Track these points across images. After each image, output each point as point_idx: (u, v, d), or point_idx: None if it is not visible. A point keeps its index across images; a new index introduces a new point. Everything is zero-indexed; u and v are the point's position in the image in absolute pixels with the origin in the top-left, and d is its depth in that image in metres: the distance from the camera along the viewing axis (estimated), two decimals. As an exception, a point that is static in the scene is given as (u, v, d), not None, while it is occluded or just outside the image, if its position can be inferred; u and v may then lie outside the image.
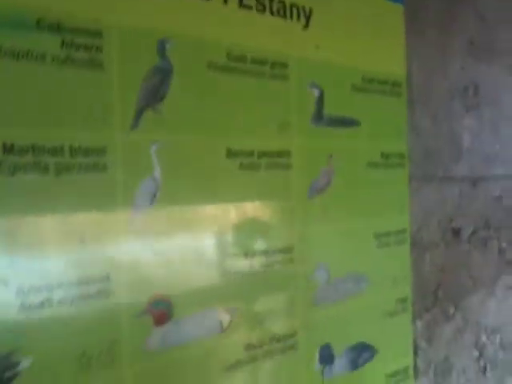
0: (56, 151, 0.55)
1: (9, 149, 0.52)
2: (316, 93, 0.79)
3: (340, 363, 0.85)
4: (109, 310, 0.58)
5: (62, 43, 0.55)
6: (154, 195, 0.63)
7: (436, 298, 1.10)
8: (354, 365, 0.88)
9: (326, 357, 0.83)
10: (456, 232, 1.15)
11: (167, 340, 0.64)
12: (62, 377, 0.55)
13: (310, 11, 0.78)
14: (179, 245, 0.64)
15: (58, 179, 0.55)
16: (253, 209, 0.72)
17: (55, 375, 0.55)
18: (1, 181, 0.52)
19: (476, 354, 1.23)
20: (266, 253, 0.74)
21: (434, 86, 1.10)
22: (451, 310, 1.15)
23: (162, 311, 0.64)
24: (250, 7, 0.71)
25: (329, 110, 0.81)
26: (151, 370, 0.62)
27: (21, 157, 0.53)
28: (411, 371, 0.99)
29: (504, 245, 1.30)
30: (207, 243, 0.67)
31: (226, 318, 0.70)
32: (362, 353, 0.89)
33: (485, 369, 1.26)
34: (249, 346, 0.73)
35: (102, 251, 0.58)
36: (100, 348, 0.58)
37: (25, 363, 0.54)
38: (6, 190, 0.52)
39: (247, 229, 0.71)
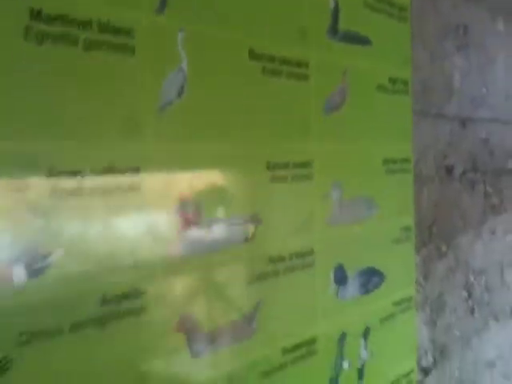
0: (85, 24, 0.51)
1: (36, 15, 0.48)
2: (331, 3, 0.77)
3: (352, 285, 0.84)
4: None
5: None
6: (182, 87, 0.59)
7: (431, 233, 1.11)
8: (365, 289, 0.87)
9: (340, 277, 0.82)
10: (449, 170, 1.16)
11: (195, 245, 0.61)
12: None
13: None
14: (201, 147, 0.61)
15: (87, 54, 0.51)
16: (270, 117, 0.69)
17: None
18: (29, 48, 0.47)
19: (465, 294, 1.26)
20: (285, 165, 0.72)
21: (429, 21, 1.10)
22: (444, 248, 1.16)
23: (190, 214, 0.60)
24: None
25: (343, 25, 0.79)
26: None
27: (49, 25, 0.48)
28: (414, 301, 1.00)
29: (489, 189, 1.33)
30: (229, 146, 0.64)
31: (250, 227, 0.68)
32: (371, 277, 0.88)
33: (473, 309, 1.29)
34: (271, 259, 0.70)
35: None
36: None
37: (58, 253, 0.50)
38: (33, 58, 0.47)
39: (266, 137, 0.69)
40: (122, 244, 0.54)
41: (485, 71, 1.29)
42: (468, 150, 1.23)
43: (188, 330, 0.61)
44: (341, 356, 0.83)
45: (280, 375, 0.72)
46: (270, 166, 0.70)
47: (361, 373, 0.87)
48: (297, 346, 0.75)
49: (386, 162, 0.90)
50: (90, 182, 0.51)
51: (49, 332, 0.48)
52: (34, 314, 0.47)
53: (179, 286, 0.60)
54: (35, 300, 0.47)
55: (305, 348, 0.76)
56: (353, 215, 0.84)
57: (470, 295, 1.26)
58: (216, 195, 0.63)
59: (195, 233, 0.61)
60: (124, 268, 0.54)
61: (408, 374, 0.98)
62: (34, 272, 0.47)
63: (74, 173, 0.50)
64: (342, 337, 0.83)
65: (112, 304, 0.53)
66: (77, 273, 0.50)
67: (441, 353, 1.16)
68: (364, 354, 0.88)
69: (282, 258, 0.72)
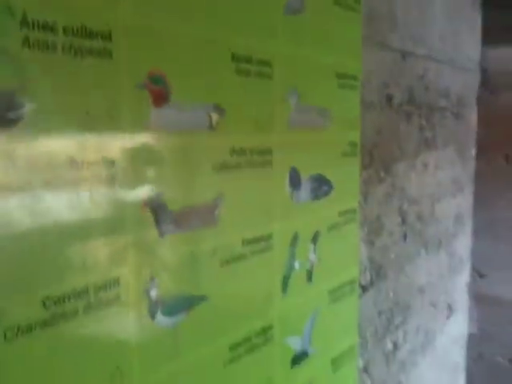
0: None
1: None
2: None
3: (305, 190, 0.88)
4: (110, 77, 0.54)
5: None
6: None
7: (372, 157, 1.17)
8: (315, 195, 0.91)
9: (295, 180, 0.85)
10: (389, 98, 1.22)
11: (164, 123, 0.62)
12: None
13: None
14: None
15: None
16: (234, 9, 0.70)
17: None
18: None
19: (399, 220, 1.34)
20: (249, 60, 0.73)
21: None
22: (382, 174, 1.23)
23: (159, 89, 0.61)
24: None
25: None
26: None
27: None
28: (357, 213, 1.05)
29: (424, 123, 1.41)
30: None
31: (214, 116, 0.69)
32: (321, 185, 0.93)
33: (406, 236, 1.38)
34: (234, 150, 0.72)
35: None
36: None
37: (29, 106, 0.49)
38: None
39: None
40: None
41: (424, 11, 1.35)
42: (406, 83, 1.30)
43: (154, 207, 0.62)
44: (293, 255, 0.87)
45: (239, 265, 0.75)
46: (235, 58, 0.71)
47: (310, 275, 0.92)
48: (255, 240, 0.78)
49: (338, 76, 0.94)
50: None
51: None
52: None
53: (147, 162, 0.61)
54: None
55: (262, 242, 0.79)
56: (308, 121, 0.88)
57: (404, 221, 1.35)
58: (183, 77, 0.64)
59: (164, 111, 0.62)
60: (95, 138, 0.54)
61: (351, 282, 1.05)
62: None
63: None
64: (295, 237, 0.87)
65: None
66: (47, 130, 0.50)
67: (377, 272, 1.24)
68: (313, 257, 0.92)
69: (243, 152, 0.74)
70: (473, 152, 1.87)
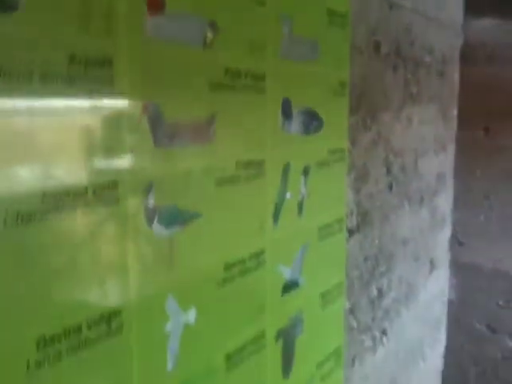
0: None
1: None
2: None
3: (296, 122, 0.90)
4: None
5: None
6: None
7: (359, 103, 1.19)
8: (306, 129, 0.93)
9: (287, 110, 0.87)
10: (377, 46, 1.24)
11: (159, 32, 0.62)
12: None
13: None
14: None
15: None
16: None
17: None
18: None
19: (384, 170, 1.37)
20: None
21: None
22: (369, 122, 1.25)
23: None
24: None
25: None
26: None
27: None
28: (346, 153, 1.08)
29: (409, 76, 1.44)
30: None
31: (209, 32, 0.70)
32: (312, 120, 0.94)
33: (391, 185, 1.40)
34: (228, 71, 0.73)
35: None
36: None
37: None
38: None
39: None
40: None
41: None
42: (393, 34, 1.32)
43: (151, 115, 0.63)
44: (284, 185, 0.89)
45: (233, 187, 0.77)
46: None
47: (300, 208, 0.94)
48: (248, 163, 0.79)
49: (329, 12, 0.95)
50: None
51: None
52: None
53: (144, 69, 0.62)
54: None
55: (255, 167, 0.81)
56: (300, 53, 0.89)
57: (388, 172, 1.38)
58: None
59: (159, 20, 0.63)
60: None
61: (339, 221, 1.07)
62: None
63: None
64: (287, 167, 0.89)
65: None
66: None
67: (364, 218, 1.26)
68: (303, 190, 0.94)
69: (237, 73, 0.75)
70: (454, 113, 1.90)
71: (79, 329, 0.56)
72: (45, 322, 0.53)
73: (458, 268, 2.73)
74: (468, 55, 2.42)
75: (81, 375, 0.56)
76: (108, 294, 0.59)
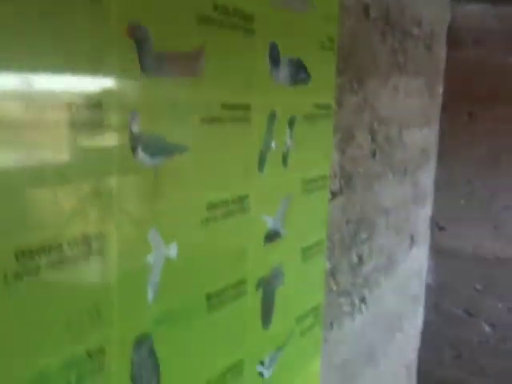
0: None
1: None
2: None
3: (283, 71, 0.89)
4: None
5: None
6: None
7: (346, 65, 1.19)
8: (293, 79, 0.93)
9: (275, 56, 0.86)
10: (366, 9, 1.24)
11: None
12: None
13: None
14: None
15: None
16: None
17: None
18: None
19: (369, 137, 1.37)
20: None
21: None
22: (355, 85, 1.26)
23: None
24: None
25: None
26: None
27: None
28: (332, 109, 1.08)
29: (397, 46, 1.44)
30: None
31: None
32: (299, 72, 0.94)
33: (374, 153, 1.41)
34: (216, 6, 0.73)
35: None
36: None
37: None
38: None
39: None
40: None
41: None
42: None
43: (138, 37, 0.62)
44: (270, 133, 0.88)
45: (219, 128, 0.76)
46: None
47: (285, 159, 0.94)
48: (234, 106, 0.79)
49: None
50: None
51: None
52: None
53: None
54: None
55: (241, 111, 0.81)
56: (290, 2, 0.89)
57: (373, 139, 1.39)
58: None
59: None
60: None
61: (323, 178, 1.07)
62: None
63: None
64: (272, 115, 0.88)
65: None
66: None
67: (347, 182, 1.27)
68: (289, 141, 0.94)
69: (226, 10, 0.75)
70: (440, 90, 1.92)
71: (60, 246, 0.55)
72: (24, 237, 0.52)
73: (437, 252, 2.76)
74: (455, 38, 2.44)
75: (59, 291, 0.56)
76: (90, 216, 0.59)
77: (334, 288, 1.27)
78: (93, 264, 0.59)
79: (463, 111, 3.05)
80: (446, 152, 2.55)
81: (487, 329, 3.08)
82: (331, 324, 1.28)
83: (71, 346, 0.57)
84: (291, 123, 0.94)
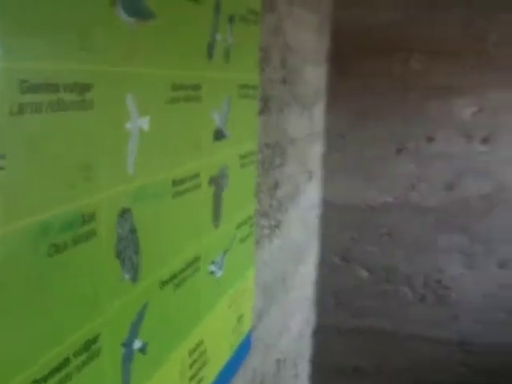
0: None
1: None
2: None
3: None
4: None
5: None
6: None
7: None
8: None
9: None
10: None
11: None
12: None
13: None
14: None
15: None
16: None
17: None
18: None
19: (280, 63, 1.41)
20: None
21: None
22: (272, 4, 1.28)
23: None
24: None
25: None
26: None
27: None
28: (259, 16, 1.09)
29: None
30: None
31: None
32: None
33: (284, 80, 1.46)
34: None
35: None
36: None
37: None
38: None
39: None
40: None
41: None
42: None
43: None
44: (216, 25, 0.87)
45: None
46: None
47: (227, 53, 0.93)
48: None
49: None
50: None
51: None
52: None
53: None
54: None
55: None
56: None
57: (283, 66, 1.43)
58: None
59: None
60: None
61: (254, 87, 1.09)
62: None
63: None
64: (217, 8, 0.87)
65: None
66: None
67: (265, 103, 1.29)
68: (230, 38, 0.94)
69: None
70: (327, 34, 2.01)
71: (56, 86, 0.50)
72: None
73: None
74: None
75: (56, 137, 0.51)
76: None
77: (257, 207, 1.30)
78: (83, 115, 0.54)
79: (338, 69, 3.21)
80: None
81: (364, 273, 3.35)
82: (257, 243, 1.31)
83: (67, 204, 0.53)
84: (231, 20, 0.94)
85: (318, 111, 1.98)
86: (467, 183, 3.15)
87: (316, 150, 2.02)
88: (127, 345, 0.66)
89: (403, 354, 3.46)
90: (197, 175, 0.84)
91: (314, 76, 1.83)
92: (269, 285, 1.48)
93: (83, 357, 0.57)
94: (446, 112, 3.08)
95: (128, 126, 0.63)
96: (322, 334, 3.47)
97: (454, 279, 3.26)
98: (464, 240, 3.17)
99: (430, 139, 3.06)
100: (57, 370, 0.53)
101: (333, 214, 3.42)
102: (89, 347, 0.58)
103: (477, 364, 3.28)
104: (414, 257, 3.25)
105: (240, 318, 1.11)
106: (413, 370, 3.49)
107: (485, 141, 2.95)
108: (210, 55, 0.85)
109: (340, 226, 3.51)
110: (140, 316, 0.68)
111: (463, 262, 3.18)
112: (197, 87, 0.81)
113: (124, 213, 0.63)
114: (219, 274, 0.95)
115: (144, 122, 0.67)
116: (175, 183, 0.76)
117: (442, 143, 3.15)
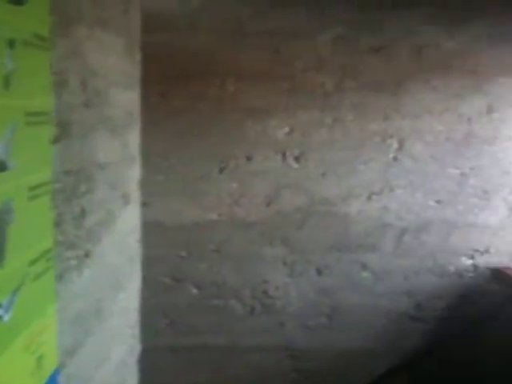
0: None
1: None
2: None
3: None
4: None
5: None
6: None
7: (54, 4, 1.16)
8: (9, -2, 0.87)
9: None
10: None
11: None
12: None
13: None
14: None
15: None
16: None
17: None
18: None
19: (81, 86, 1.37)
20: None
21: None
22: (65, 29, 1.24)
23: None
24: None
25: None
26: None
27: None
28: (48, 43, 1.04)
29: (99, -1, 1.46)
30: None
31: None
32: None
33: (87, 103, 1.41)
34: None
35: None
36: None
37: None
38: None
39: None
40: None
41: None
42: None
43: None
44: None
45: None
46: None
47: (7, 81, 0.88)
48: None
49: None
50: None
51: None
52: None
53: None
54: None
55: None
56: None
57: (84, 89, 1.38)
58: None
59: None
60: None
61: (46, 114, 1.04)
62: None
63: None
64: (-10, 30, 0.82)
65: None
66: None
67: (64, 128, 1.24)
68: (9, 63, 0.88)
69: None
70: (138, 58, 2.01)
71: None
72: None
73: (143, 228, 2.90)
74: (145, 23, 2.58)
75: None
76: None
77: (60, 238, 1.24)
78: None
79: (155, 92, 3.24)
80: (141, 131, 2.69)
81: (194, 290, 3.38)
82: (60, 276, 1.24)
83: None
84: (12, 45, 0.88)
85: (133, 134, 1.95)
86: (284, 198, 3.37)
87: (133, 174, 1.99)
88: None
89: (238, 365, 3.54)
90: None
91: (125, 99, 1.80)
92: (82, 317, 1.41)
93: None
94: (262, 132, 3.27)
95: None
96: (154, 355, 3.41)
97: (279, 288, 3.45)
98: (285, 251, 3.37)
99: (249, 158, 3.21)
100: None
101: (161, 235, 3.41)
102: None
103: (305, 367, 3.49)
104: (241, 270, 3.38)
105: (40, 360, 1.04)
106: (248, 380, 3.59)
107: (297, 159, 3.18)
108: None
109: (169, 246, 3.51)
110: None
111: (286, 271, 3.38)
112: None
113: None
114: (7, 317, 0.88)
115: None
116: None
117: (260, 161, 3.34)
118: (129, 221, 1.94)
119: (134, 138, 1.94)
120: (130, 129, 1.89)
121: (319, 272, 3.49)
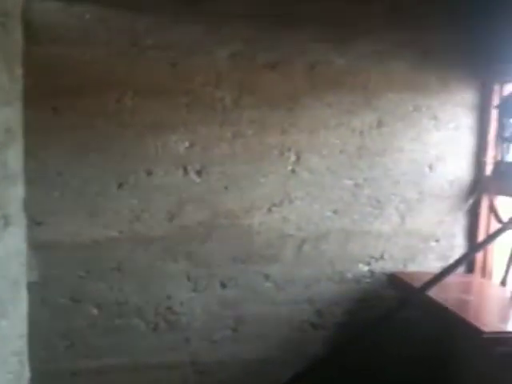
0: None
1: None
2: None
3: None
4: None
5: None
6: None
7: None
8: None
9: None
10: None
11: None
12: None
13: None
14: None
15: None
16: None
17: None
18: None
19: None
20: None
21: None
22: None
23: None
24: None
25: None
26: None
27: None
28: None
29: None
30: None
31: None
32: None
33: None
34: None
35: None
36: None
37: None
38: None
39: None
40: None
41: None
42: None
43: None
44: None
45: None
46: None
47: None
48: None
49: None
50: None
51: None
52: None
53: None
54: None
55: None
56: None
57: None
58: None
59: None
60: None
61: None
62: None
63: None
64: None
65: None
66: None
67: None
68: None
69: None
70: (20, 72, 1.94)
71: None
72: None
73: (37, 248, 2.76)
74: (32, 36, 2.48)
75: None
76: None
77: None
78: None
79: (47, 106, 3.13)
80: (33, 147, 2.57)
81: (94, 311, 3.27)
82: None
83: None
84: None
85: (14, 151, 1.87)
86: (187, 212, 3.35)
87: (15, 193, 1.90)
88: None
89: (140, 385, 3.42)
90: None
91: (3, 116, 1.73)
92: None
93: None
94: (162, 147, 3.24)
95: None
96: (53, 380, 3.25)
97: (183, 304, 3.42)
98: (189, 265, 3.35)
99: (150, 172, 3.18)
100: None
101: (58, 255, 3.27)
102: None
103: (211, 382, 3.47)
104: (144, 288, 3.31)
105: None
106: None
107: (199, 173, 3.19)
108: None
109: (66, 266, 3.37)
110: None
111: (190, 286, 3.36)
112: None
113: None
114: None
115: None
116: None
117: (161, 176, 3.30)
118: (11, 244, 1.84)
119: (14, 156, 1.86)
120: (11, 146, 1.81)
121: (223, 285, 3.51)
